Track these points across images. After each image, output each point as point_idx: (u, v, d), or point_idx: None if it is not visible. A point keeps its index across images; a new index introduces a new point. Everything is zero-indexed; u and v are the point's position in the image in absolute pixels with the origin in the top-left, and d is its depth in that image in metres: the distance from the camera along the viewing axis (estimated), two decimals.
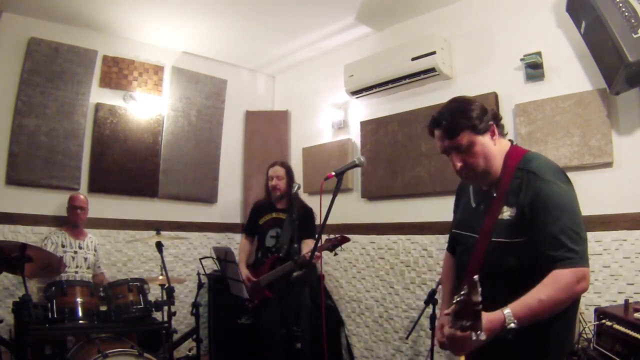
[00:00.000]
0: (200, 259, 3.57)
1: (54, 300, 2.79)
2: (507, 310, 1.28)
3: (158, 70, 4.43)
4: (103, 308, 2.96)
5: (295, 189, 3.19)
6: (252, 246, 3.62)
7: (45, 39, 3.79)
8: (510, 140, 1.63)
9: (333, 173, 2.07)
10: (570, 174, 1.53)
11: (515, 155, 1.55)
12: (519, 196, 1.46)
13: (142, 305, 3.03)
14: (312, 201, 3.68)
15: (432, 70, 3.46)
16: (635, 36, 2.22)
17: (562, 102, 2.90)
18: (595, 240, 2.68)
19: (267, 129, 5.02)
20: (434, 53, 3.42)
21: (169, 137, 4.44)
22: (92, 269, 3.60)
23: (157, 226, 3.28)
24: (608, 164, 2.72)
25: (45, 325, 2.74)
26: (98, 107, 4.06)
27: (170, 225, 4.28)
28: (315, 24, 4.08)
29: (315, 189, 4.40)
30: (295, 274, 2.09)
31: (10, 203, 3.60)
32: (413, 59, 3.52)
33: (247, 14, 3.87)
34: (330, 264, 4.30)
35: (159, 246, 3.00)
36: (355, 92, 4.02)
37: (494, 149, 1.53)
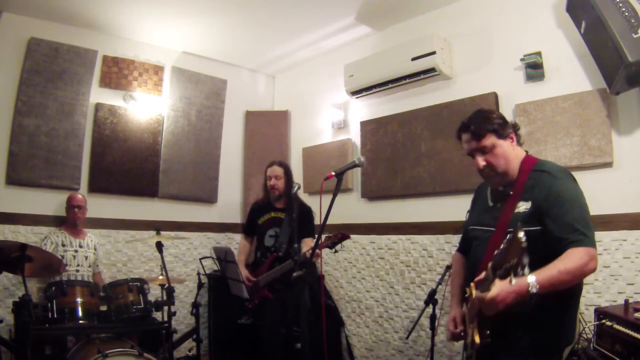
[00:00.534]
0: (200, 259, 3.57)
1: (54, 300, 2.79)
2: (531, 278, 1.44)
3: (158, 70, 4.43)
4: (103, 308, 2.96)
5: (295, 189, 3.19)
6: (251, 246, 3.62)
7: (45, 39, 3.79)
8: (525, 150, 1.84)
9: (333, 173, 2.07)
10: None
11: (529, 161, 1.77)
12: (533, 192, 1.66)
13: (142, 305, 3.03)
14: (312, 201, 3.69)
15: (432, 70, 3.46)
16: (635, 36, 2.22)
17: (562, 102, 2.90)
18: (596, 240, 2.67)
19: (267, 129, 5.02)
20: (434, 53, 3.42)
21: (169, 137, 4.44)
22: (92, 268, 3.61)
23: (157, 226, 3.28)
24: (608, 164, 2.72)
25: (45, 325, 2.75)
26: (98, 107, 4.06)
27: (170, 225, 4.28)
28: (315, 24, 4.08)
29: (315, 189, 4.40)
30: (295, 273, 2.08)
31: (10, 203, 3.60)
32: (413, 59, 3.52)
33: (247, 14, 3.87)
34: (330, 264, 4.30)
35: (159, 246, 3.00)
36: (355, 92, 4.02)
37: (512, 153, 1.76)
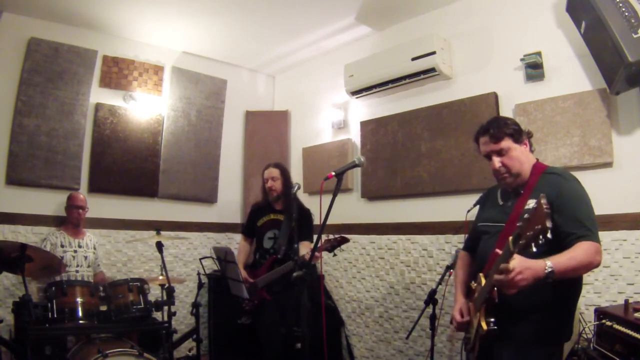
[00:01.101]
0: (200, 259, 3.56)
1: (54, 300, 2.79)
2: (546, 260, 1.56)
3: (158, 70, 4.43)
4: (103, 308, 2.96)
5: (295, 189, 3.20)
6: (250, 248, 3.63)
7: (45, 39, 3.79)
8: (536, 158, 1.97)
9: (333, 173, 2.08)
10: None
11: (540, 167, 1.91)
12: (545, 191, 1.71)
13: (142, 305, 3.02)
14: (312, 201, 3.69)
15: (432, 70, 3.46)
16: (635, 36, 2.21)
17: (562, 102, 2.90)
18: None
19: (267, 129, 5.02)
20: (434, 53, 3.42)
21: (169, 137, 4.44)
22: (92, 268, 3.61)
23: (157, 226, 3.28)
24: (608, 164, 2.72)
25: (45, 325, 2.75)
26: (98, 107, 4.06)
27: (170, 225, 4.28)
28: (315, 24, 4.08)
29: (315, 189, 4.40)
30: (295, 273, 2.08)
31: (10, 203, 3.60)
32: (413, 59, 3.52)
33: (247, 14, 3.87)
34: (330, 264, 4.30)
35: (159, 246, 3.01)
36: (355, 92, 4.02)
37: (526, 157, 1.90)
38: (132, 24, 4.04)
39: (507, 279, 1.52)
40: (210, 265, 4.03)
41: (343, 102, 4.39)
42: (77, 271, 3.46)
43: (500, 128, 1.88)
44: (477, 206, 2.27)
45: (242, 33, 4.27)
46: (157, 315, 3.31)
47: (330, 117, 4.50)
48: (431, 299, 2.91)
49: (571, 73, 2.91)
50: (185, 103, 4.56)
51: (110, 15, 3.85)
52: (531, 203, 1.78)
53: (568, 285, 1.74)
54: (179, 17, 3.93)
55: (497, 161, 1.89)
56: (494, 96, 3.27)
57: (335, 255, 2.93)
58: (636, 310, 1.96)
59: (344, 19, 3.95)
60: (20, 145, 3.65)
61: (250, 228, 3.59)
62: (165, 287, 2.92)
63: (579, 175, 1.87)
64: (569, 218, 1.70)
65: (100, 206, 3.94)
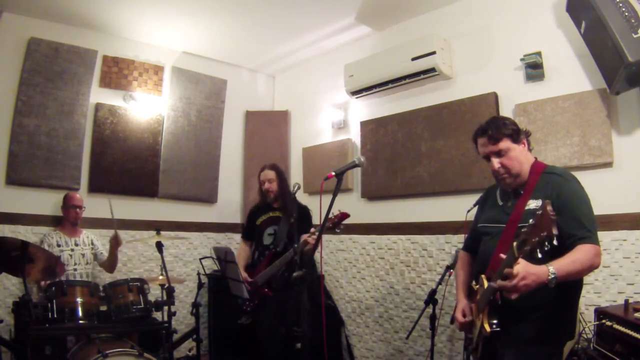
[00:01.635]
0: (200, 259, 3.56)
1: (54, 300, 2.78)
2: (549, 265, 1.55)
3: (158, 70, 4.43)
4: (103, 308, 2.96)
5: (295, 189, 3.19)
6: (250, 250, 3.63)
7: (45, 39, 3.79)
8: (535, 157, 1.96)
9: (333, 173, 2.08)
10: None
11: (539, 166, 1.90)
12: (545, 191, 1.78)
13: (142, 305, 3.02)
14: (312, 201, 3.69)
15: (432, 70, 3.46)
16: (635, 36, 2.21)
17: (562, 102, 2.90)
18: None
19: (267, 129, 5.02)
20: (434, 53, 3.42)
21: (169, 137, 4.44)
22: (91, 264, 3.61)
23: (157, 226, 3.28)
24: (608, 164, 2.72)
25: (45, 325, 2.74)
26: (98, 107, 4.06)
27: (170, 225, 4.28)
28: (315, 24, 4.08)
29: (315, 189, 4.40)
30: (295, 273, 2.08)
31: (10, 203, 3.60)
32: (413, 59, 3.52)
33: (247, 14, 3.87)
34: (330, 264, 4.30)
35: (159, 246, 3.01)
36: (355, 92, 4.02)
37: (524, 157, 1.89)
38: (132, 24, 4.04)
39: (510, 284, 1.52)
40: (210, 265, 4.03)
41: (343, 102, 4.39)
42: (75, 269, 3.46)
43: (498, 129, 1.88)
44: (477, 206, 2.27)
45: (242, 33, 4.27)
46: (157, 315, 3.31)
47: (330, 117, 4.50)
48: (431, 299, 2.91)
49: (571, 73, 2.92)
50: (185, 103, 4.56)
51: (110, 15, 3.85)
52: (532, 203, 1.78)
53: (569, 285, 1.74)
54: (179, 17, 3.93)
55: (496, 162, 1.88)
56: (494, 96, 3.27)
57: (337, 232, 2.92)
58: (636, 310, 1.96)
59: (344, 19, 3.95)
60: (20, 145, 3.65)
61: (250, 229, 3.60)
62: (165, 287, 2.92)
63: (579, 175, 1.86)
64: (569, 218, 1.69)
65: (100, 206, 3.91)
